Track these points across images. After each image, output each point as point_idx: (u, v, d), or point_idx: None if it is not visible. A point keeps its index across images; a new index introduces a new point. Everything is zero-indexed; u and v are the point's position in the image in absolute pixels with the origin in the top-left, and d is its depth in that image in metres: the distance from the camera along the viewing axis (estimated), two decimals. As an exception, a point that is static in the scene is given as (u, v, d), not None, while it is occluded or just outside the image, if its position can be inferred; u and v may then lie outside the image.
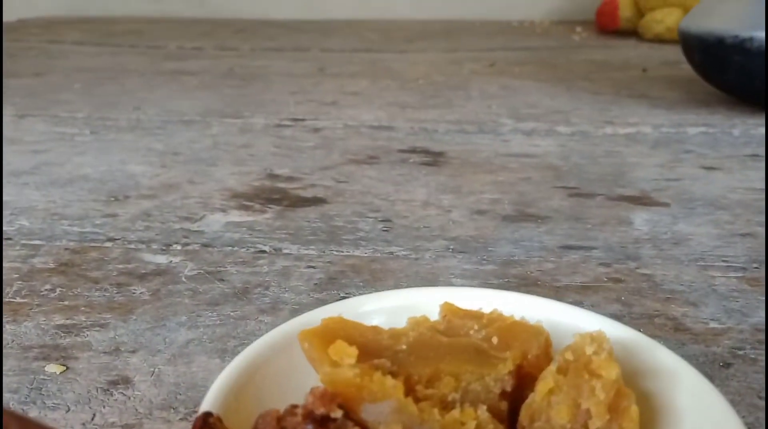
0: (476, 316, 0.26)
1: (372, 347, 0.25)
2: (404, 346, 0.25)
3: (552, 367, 0.24)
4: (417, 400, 0.23)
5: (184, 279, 0.43)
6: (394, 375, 0.23)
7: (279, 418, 0.22)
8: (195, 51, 1.32)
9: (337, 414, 0.22)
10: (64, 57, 1.26)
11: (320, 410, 0.22)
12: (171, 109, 0.86)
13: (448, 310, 0.27)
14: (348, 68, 1.14)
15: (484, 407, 0.23)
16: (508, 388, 0.24)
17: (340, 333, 0.25)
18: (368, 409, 0.23)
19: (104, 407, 0.31)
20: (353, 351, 0.23)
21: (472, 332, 0.26)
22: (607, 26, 1.51)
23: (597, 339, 0.24)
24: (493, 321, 0.26)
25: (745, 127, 0.77)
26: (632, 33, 1.46)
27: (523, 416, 0.23)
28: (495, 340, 0.25)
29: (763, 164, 0.65)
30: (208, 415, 0.23)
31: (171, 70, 1.13)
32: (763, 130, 0.75)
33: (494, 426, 0.23)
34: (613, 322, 0.28)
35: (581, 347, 0.24)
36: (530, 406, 0.23)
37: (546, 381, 0.23)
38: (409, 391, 0.23)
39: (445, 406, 0.23)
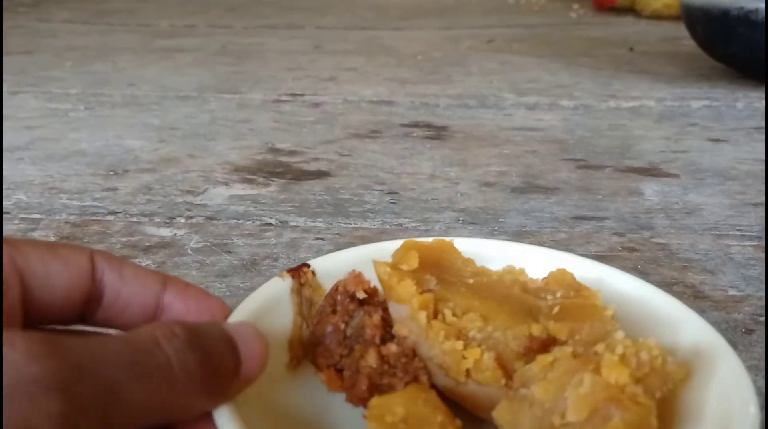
0: (570, 285, 0.26)
1: (443, 267, 0.27)
2: (471, 280, 0.26)
3: (568, 349, 0.23)
4: (439, 322, 0.24)
5: (190, 251, 0.42)
6: (436, 295, 0.25)
7: (328, 295, 0.27)
8: (187, 29, 1.30)
9: (361, 294, 0.26)
10: (53, 35, 1.23)
11: (350, 288, 0.26)
12: (166, 85, 0.85)
13: (555, 276, 0.26)
14: (344, 45, 1.13)
15: (493, 354, 0.23)
16: (521, 350, 0.23)
17: (425, 249, 0.27)
18: (393, 307, 0.26)
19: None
20: (414, 261, 0.26)
21: (545, 295, 0.26)
22: (604, 3, 1.50)
23: (647, 347, 0.22)
24: (576, 296, 0.25)
25: (749, 100, 0.76)
26: (629, 10, 1.45)
27: (517, 377, 0.23)
28: (556, 309, 0.24)
29: (768, 137, 0.64)
30: (304, 265, 0.28)
31: (163, 47, 1.11)
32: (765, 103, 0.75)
33: (491, 373, 0.23)
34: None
35: (614, 344, 0.22)
36: (526, 371, 0.23)
37: (549, 355, 0.22)
38: (437, 312, 0.24)
39: (461, 338, 0.24)
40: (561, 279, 0.26)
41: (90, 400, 0.17)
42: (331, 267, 0.28)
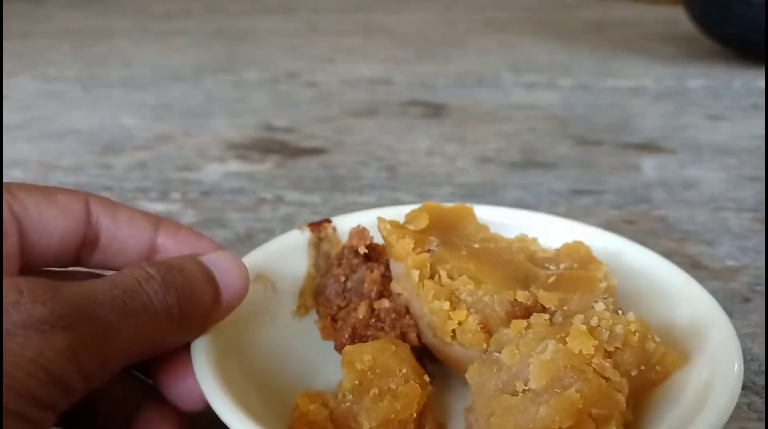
0: (580, 258, 0.26)
1: (454, 230, 0.27)
2: (476, 245, 0.26)
3: (545, 316, 0.22)
4: (432, 282, 0.24)
5: (185, 225, 0.42)
6: (435, 256, 0.25)
7: (339, 249, 0.28)
8: (183, 13, 1.29)
9: (362, 249, 0.27)
10: (49, 19, 1.23)
11: (353, 243, 0.27)
12: (162, 66, 0.84)
13: (568, 247, 0.26)
14: (341, 26, 1.12)
15: (478, 317, 0.23)
16: (504, 315, 0.23)
17: (441, 211, 0.27)
18: (392, 264, 0.26)
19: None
20: (422, 222, 0.26)
21: (549, 265, 0.25)
22: (601, -13, 1.49)
23: (624, 321, 0.21)
24: (579, 268, 0.25)
25: (745, 79, 0.76)
26: (627, -7, 1.44)
27: (493, 340, 0.23)
28: (552, 279, 0.24)
29: (765, 114, 0.64)
30: (326, 220, 0.29)
31: (160, 30, 1.10)
32: (763, 82, 0.74)
33: (473, 335, 0.23)
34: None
35: (590, 316, 0.22)
36: (502, 335, 0.22)
37: (524, 321, 0.22)
38: (434, 273, 0.24)
39: (452, 299, 0.24)
40: (574, 250, 0.26)
41: (89, 337, 0.18)
42: (353, 224, 0.28)
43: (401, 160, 0.53)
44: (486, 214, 0.29)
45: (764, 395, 0.28)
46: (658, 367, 0.22)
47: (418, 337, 0.25)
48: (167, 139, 0.58)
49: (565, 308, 0.23)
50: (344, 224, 0.29)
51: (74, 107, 0.67)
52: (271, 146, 0.56)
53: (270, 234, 0.41)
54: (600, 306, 0.22)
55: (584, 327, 0.21)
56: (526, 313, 0.23)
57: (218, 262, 0.22)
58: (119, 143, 0.57)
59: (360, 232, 0.27)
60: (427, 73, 0.80)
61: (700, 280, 0.35)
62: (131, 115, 0.65)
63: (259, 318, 0.27)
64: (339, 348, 0.25)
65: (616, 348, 0.21)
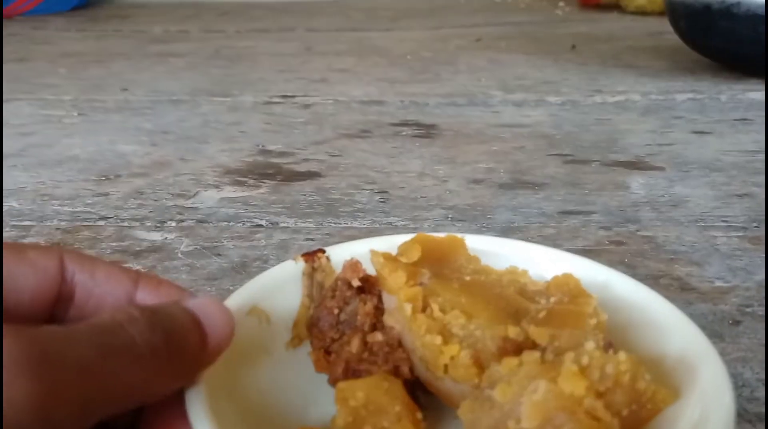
0: (569, 291, 0.26)
1: (445, 262, 0.27)
2: (468, 278, 0.26)
3: (536, 354, 0.23)
4: (424, 316, 0.24)
5: (180, 255, 0.43)
6: (427, 289, 0.25)
7: (333, 281, 0.28)
8: (181, 34, 1.30)
9: (356, 282, 0.27)
10: (48, 42, 1.24)
11: (346, 275, 0.27)
12: (159, 89, 0.85)
13: (558, 280, 0.26)
14: (335, 47, 1.13)
15: (470, 352, 0.23)
16: (495, 350, 0.24)
17: (432, 243, 0.28)
18: (384, 297, 0.27)
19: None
20: (414, 254, 0.27)
21: (540, 298, 0.26)
22: (589, 0, 1.51)
23: (614, 361, 0.21)
24: (569, 302, 0.25)
25: (732, 92, 0.77)
26: (614, 7, 1.45)
27: (485, 377, 0.23)
28: (543, 314, 0.24)
29: (753, 128, 0.65)
30: (320, 250, 0.30)
31: (157, 52, 1.11)
32: (751, 95, 0.75)
33: (465, 371, 0.23)
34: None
35: (581, 354, 0.22)
36: (494, 372, 0.23)
37: (516, 359, 0.22)
38: (426, 306, 0.25)
39: (444, 333, 0.24)
40: (563, 283, 0.26)
41: (60, 382, 0.16)
42: (347, 255, 0.29)
43: (393, 183, 0.54)
44: (477, 243, 0.30)
45: (757, 423, 0.28)
46: (648, 405, 0.22)
47: (411, 370, 0.25)
48: (163, 165, 0.59)
49: (555, 344, 0.23)
50: (338, 254, 0.30)
51: (71, 133, 0.68)
52: (266, 170, 0.57)
53: (264, 262, 0.42)
54: (590, 344, 0.22)
55: (575, 367, 0.21)
56: (517, 348, 0.23)
57: (203, 307, 0.22)
58: (116, 170, 0.58)
59: (353, 265, 0.28)
60: (419, 92, 0.81)
61: (689, 303, 0.36)
62: (128, 141, 0.66)
63: (253, 352, 0.27)
64: (332, 382, 0.25)
65: (608, 388, 0.21)
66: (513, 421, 0.21)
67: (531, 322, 0.24)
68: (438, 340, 0.24)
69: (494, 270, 0.28)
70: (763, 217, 0.46)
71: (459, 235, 0.29)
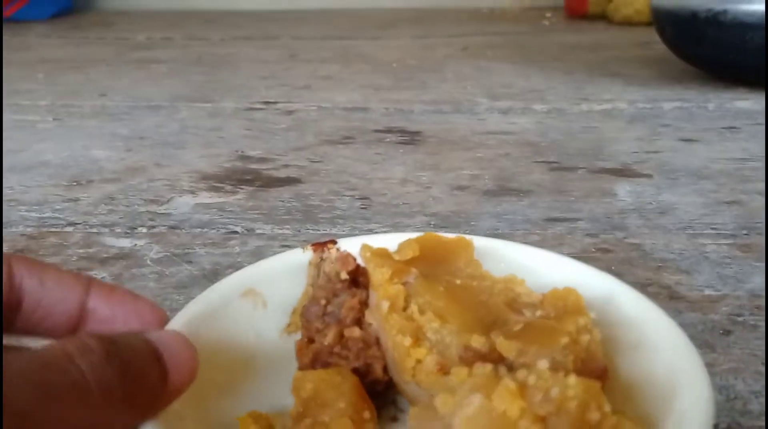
0: (564, 306, 0.25)
1: (441, 263, 0.26)
2: (458, 281, 0.25)
3: (488, 367, 0.20)
4: (399, 316, 0.24)
5: (149, 262, 0.41)
6: (411, 289, 0.24)
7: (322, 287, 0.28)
8: (164, 41, 1.29)
9: (344, 275, 0.27)
10: (27, 49, 1.22)
11: (336, 267, 0.27)
12: (138, 95, 0.83)
13: (555, 293, 0.25)
14: (320, 54, 1.12)
15: (436, 357, 0.22)
16: (456, 358, 0.23)
17: (434, 243, 0.27)
18: (370, 292, 0.26)
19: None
20: (409, 252, 0.26)
21: (528, 311, 0.25)
22: (576, 11, 1.51)
23: (563, 385, 0.19)
24: (555, 317, 0.24)
25: (720, 100, 0.76)
26: (600, 17, 1.45)
27: (440, 384, 0.22)
28: (519, 327, 0.23)
29: (740, 136, 0.64)
30: (331, 241, 0.29)
31: (139, 59, 1.09)
32: (738, 103, 0.75)
33: (427, 376, 0.22)
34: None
35: (531, 374, 0.20)
36: (447, 381, 0.21)
37: (466, 369, 0.21)
38: (407, 306, 0.24)
39: (419, 335, 0.23)
40: (561, 297, 0.25)
41: None
42: (358, 248, 0.28)
43: (375, 189, 0.52)
44: (485, 244, 0.29)
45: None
46: None
47: (384, 370, 0.24)
48: (137, 170, 0.57)
49: (521, 360, 0.22)
50: (348, 246, 0.29)
51: (44, 138, 0.66)
52: (245, 176, 0.55)
53: (237, 270, 0.40)
54: (543, 363, 0.20)
55: (513, 385, 0.19)
56: (482, 359, 0.22)
57: (166, 341, 0.20)
58: (88, 176, 0.56)
59: (344, 257, 0.27)
60: (403, 99, 0.79)
61: (679, 312, 0.35)
62: (103, 146, 0.64)
63: (243, 334, 0.27)
64: (299, 370, 0.25)
65: (548, 413, 0.19)
66: None
67: (502, 334, 0.22)
68: (407, 341, 0.23)
69: (491, 276, 0.26)
70: (753, 225, 0.45)
71: (468, 237, 0.28)
